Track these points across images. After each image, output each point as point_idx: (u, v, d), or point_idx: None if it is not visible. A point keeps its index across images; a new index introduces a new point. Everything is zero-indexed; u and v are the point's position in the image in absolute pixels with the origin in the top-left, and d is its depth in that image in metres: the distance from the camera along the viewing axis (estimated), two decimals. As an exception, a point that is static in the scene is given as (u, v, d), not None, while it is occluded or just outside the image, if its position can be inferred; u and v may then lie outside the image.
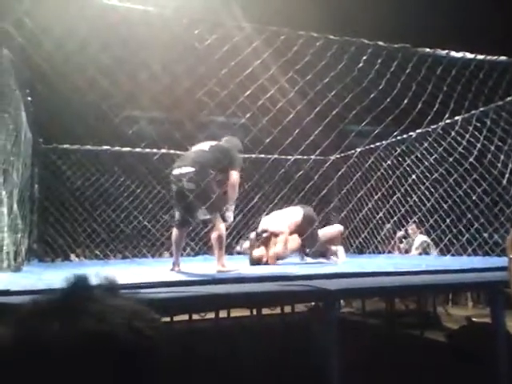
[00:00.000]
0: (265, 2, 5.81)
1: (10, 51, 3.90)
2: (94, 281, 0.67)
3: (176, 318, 6.02)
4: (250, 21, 3.90)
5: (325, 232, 5.56)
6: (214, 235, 3.94)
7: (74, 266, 6.00)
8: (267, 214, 5.62)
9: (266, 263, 5.00)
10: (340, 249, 5.68)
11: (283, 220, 5.26)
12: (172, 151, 6.33)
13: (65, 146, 6.90)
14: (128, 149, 6.86)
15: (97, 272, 0.68)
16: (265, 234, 5.14)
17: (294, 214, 5.32)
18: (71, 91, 3.83)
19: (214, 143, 4.20)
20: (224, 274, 3.62)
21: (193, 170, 3.90)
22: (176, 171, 4.02)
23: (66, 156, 6.93)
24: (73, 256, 7.56)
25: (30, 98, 5.11)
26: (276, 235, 5.11)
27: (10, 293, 2.49)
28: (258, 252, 5.13)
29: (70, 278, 0.65)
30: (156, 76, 3.74)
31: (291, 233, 5.21)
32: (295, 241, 5.28)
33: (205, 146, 4.15)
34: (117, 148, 6.92)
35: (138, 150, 6.64)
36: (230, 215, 4.09)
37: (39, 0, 3.27)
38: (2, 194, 3.91)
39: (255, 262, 5.05)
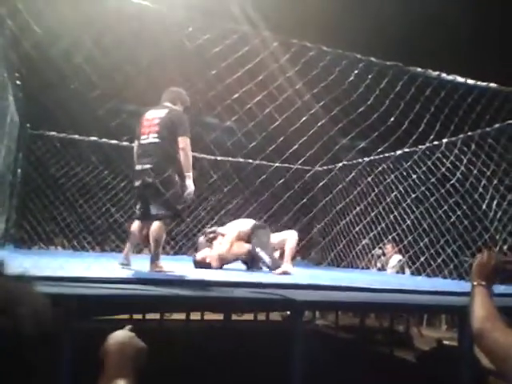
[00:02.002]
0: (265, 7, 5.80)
1: (1, 35, 3.85)
2: None
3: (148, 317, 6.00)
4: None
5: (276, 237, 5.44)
6: (154, 232, 3.90)
7: (46, 254, 5.92)
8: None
9: (210, 266, 5.00)
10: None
11: (232, 226, 5.40)
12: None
13: (51, 133, 6.83)
14: (114, 141, 6.80)
15: None
16: (211, 235, 5.23)
17: (244, 223, 5.44)
18: (59, 79, 3.78)
19: (159, 122, 4.07)
20: (161, 274, 3.63)
21: (149, 166, 3.94)
22: (138, 167, 4.06)
23: (51, 144, 6.85)
24: (50, 245, 7.47)
25: (18, 82, 5.06)
26: (222, 235, 5.21)
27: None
28: (201, 254, 5.16)
29: None
30: (146, 70, 3.72)
31: (239, 239, 5.27)
32: (242, 246, 5.29)
33: (154, 133, 4.05)
34: (104, 140, 6.86)
35: (125, 143, 6.59)
36: (190, 183, 4.05)
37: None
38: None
39: (199, 264, 5.05)
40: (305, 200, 4.09)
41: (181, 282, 3.06)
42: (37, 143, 6.78)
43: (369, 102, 3.96)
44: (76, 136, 6.87)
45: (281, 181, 3.95)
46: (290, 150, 3.86)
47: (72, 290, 2.39)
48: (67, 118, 5.05)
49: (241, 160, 5.94)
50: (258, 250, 5.21)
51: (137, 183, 4.08)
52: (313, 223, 7.13)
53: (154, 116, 4.14)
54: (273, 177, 4.49)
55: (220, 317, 6.44)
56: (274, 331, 5.92)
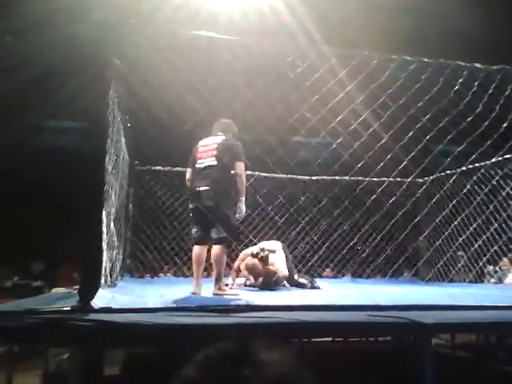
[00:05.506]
0: (347, 27, 5.80)
1: (114, 81, 4.16)
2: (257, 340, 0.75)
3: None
4: (334, 45, 3.92)
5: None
6: (216, 255, 3.99)
7: (160, 282, 6.24)
8: None
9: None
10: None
11: (270, 244, 5.47)
12: (264, 174, 6.55)
13: (157, 167, 7.25)
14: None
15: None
16: (264, 253, 5.12)
17: (273, 244, 5.51)
18: (166, 117, 4.03)
19: (216, 147, 4.18)
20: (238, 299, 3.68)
21: (208, 188, 4.00)
22: (195, 189, 4.13)
23: (158, 177, 7.27)
24: (160, 273, 7.84)
25: (129, 125, 5.42)
26: (272, 251, 5.21)
27: (112, 310, 2.63)
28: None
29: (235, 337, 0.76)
30: (248, 102, 3.86)
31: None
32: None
33: (211, 157, 4.15)
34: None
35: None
36: (242, 207, 4.08)
37: (135, 34, 3.47)
38: (102, 213, 4.14)
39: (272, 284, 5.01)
40: (419, 218, 3.95)
41: (314, 307, 3.03)
42: (145, 178, 7.23)
43: (478, 110, 3.81)
44: (178, 168, 7.23)
45: (395, 196, 3.85)
46: (402, 164, 3.78)
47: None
48: (173, 153, 5.35)
49: (333, 177, 5.92)
50: (296, 276, 5.36)
51: (192, 205, 4.18)
52: (415, 238, 6.86)
53: (210, 142, 4.27)
54: (362, 193, 4.44)
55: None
56: (396, 352, 5.72)
